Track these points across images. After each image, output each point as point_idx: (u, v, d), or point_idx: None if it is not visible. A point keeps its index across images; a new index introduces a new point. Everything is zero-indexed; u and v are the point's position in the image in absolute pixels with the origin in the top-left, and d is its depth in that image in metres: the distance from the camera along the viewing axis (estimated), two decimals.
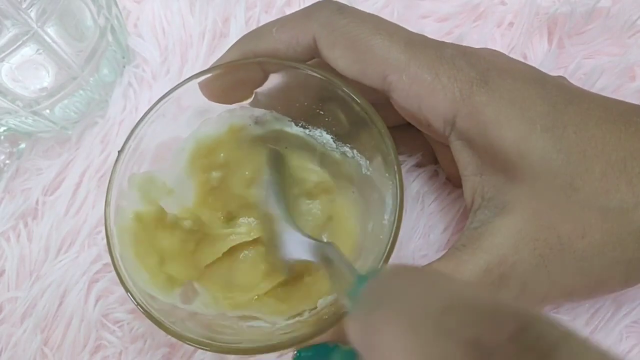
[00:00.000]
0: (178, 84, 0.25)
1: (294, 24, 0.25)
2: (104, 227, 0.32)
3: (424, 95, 0.23)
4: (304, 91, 0.26)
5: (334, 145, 0.27)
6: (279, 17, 0.34)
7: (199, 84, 0.25)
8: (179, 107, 0.26)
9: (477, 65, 0.23)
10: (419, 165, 0.30)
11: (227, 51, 0.27)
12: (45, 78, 0.30)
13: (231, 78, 0.26)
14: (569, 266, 0.22)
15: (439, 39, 0.33)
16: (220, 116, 0.27)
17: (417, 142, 0.29)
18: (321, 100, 0.26)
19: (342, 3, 0.25)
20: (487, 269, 0.22)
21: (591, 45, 0.32)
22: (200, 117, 0.27)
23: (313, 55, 0.25)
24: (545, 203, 0.22)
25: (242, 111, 0.27)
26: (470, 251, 0.22)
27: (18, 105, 0.30)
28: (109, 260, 0.31)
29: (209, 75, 0.25)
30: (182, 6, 0.35)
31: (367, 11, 0.33)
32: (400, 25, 0.33)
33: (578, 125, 0.22)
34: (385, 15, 0.34)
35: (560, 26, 0.32)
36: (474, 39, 0.33)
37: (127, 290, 0.23)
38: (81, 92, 0.32)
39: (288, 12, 0.34)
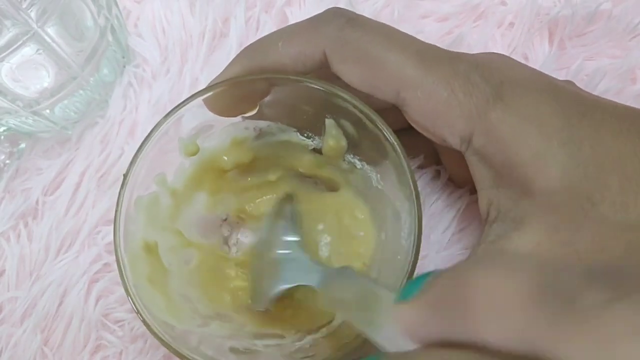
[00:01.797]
0: (183, 101, 0.25)
1: (302, 38, 0.24)
2: (104, 228, 0.32)
3: (440, 111, 0.23)
4: (310, 104, 0.26)
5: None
6: (278, 16, 0.35)
7: (204, 100, 0.25)
8: (183, 124, 0.26)
9: (491, 79, 0.23)
10: (421, 166, 0.30)
11: (230, 65, 0.26)
12: (46, 78, 0.30)
13: (236, 93, 0.25)
14: None
15: (439, 39, 0.33)
16: (224, 130, 0.27)
17: (419, 144, 0.29)
18: (327, 113, 0.26)
19: (350, 12, 0.25)
20: None
21: (592, 47, 0.32)
22: (204, 132, 0.26)
23: (321, 68, 0.25)
24: (563, 217, 0.21)
25: (246, 124, 0.27)
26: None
27: (18, 105, 0.30)
28: (109, 260, 0.31)
29: (213, 92, 0.25)
30: (182, 6, 0.35)
31: (367, 11, 0.34)
32: (401, 25, 0.33)
33: (593, 139, 0.22)
34: (385, 15, 0.34)
35: (561, 27, 0.32)
36: (474, 39, 0.33)
37: (143, 321, 0.23)
38: (81, 92, 0.32)
39: (288, 12, 0.34)
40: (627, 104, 0.26)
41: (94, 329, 0.30)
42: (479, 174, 0.24)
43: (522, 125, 0.22)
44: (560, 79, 0.31)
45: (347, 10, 0.25)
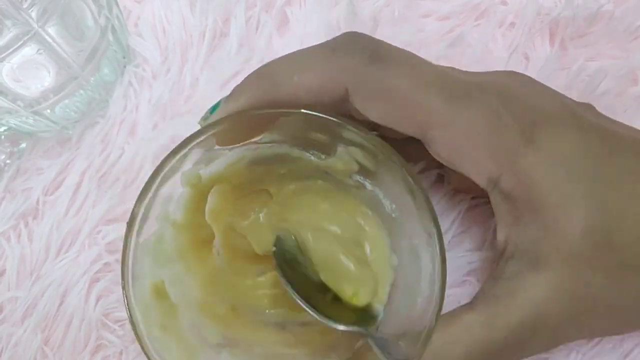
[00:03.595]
0: (188, 139, 0.23)
1: (320, 71, 0.23)
2: (104, 227, 0.32)
3: (467, 151, 0.22)
4: (320, 132, 0.24)
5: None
6: (279, 16, 0.34)
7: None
8: (186, 160, 0.24)
9: (522, 119, 0.22)
10: (422, 170, 0.30)
11: (238, 92, 0.24)
12: (46, 78, 0.30)
13: (244, 124, 0.24)
14: (602, 318, 0.23)
15: (440, 38, 0.33)
16: (233, 151, 0.26)
17: (421, 152, 0.29)
18: (340, 142, 0.24)
19: (371, 42, 0.23)
20: (521, 324, 0.22)
21: (594, 48, 0.32)
22: (206, 162, 0.25)
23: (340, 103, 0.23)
24: (582, 260, 0.22)
25: (248, 146, 0.26)
26: (504, 305, 0.22)
27: (19, 105, 0.30)
28: (109, 259, 0.31)
29: (222, 127, 0.23)
30: (183, 6, 0.35)
31: (367, 11, 0.33)
32: (401, 24, 0.33)
33: (619, 182, 0.22)
34: (385, 14, 0.34)
35: (562, 28, 0.32)
36: (475, 39, 0.33)
37: None
38: (82, 91, 0.32)
39: (288, 12, 0.34)
40: (628, 105, 0.26)
41: (95, 328, 0.30)
42: (502, 210, 0.23)
43: (552, 169, 0.22)
44: (562, 80, 0.31)
45: (367, 37, 0.23)
